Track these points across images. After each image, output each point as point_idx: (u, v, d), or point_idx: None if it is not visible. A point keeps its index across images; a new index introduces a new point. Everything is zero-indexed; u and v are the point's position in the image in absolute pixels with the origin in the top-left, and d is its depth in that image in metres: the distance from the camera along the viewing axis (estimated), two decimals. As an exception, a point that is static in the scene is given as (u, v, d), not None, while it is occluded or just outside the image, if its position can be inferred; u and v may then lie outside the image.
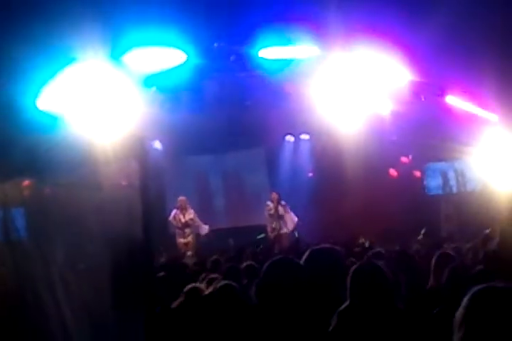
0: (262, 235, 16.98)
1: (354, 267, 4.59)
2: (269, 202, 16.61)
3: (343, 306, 4.43)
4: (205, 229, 16.39)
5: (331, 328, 4.33)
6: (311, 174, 19.39)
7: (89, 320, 7.47)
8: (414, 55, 11.45)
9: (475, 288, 2.86)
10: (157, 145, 17.78)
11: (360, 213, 16.43)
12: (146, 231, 14.24)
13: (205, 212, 17.75)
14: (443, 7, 9.84)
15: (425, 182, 18.61)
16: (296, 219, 16.85)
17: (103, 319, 7.19)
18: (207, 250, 14.49)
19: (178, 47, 11.05)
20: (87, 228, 12.89)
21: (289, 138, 19.46)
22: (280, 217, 16.54)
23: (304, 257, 4.93)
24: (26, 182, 12.76)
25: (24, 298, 7.23)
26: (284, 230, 16.58)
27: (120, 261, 7.88)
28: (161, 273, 8.48)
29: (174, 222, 16.03)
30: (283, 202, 16.66)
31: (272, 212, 16.51)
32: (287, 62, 11.88)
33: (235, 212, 18.55)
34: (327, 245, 5.32)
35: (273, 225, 16.53)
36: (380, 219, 16.22)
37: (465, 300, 2.86)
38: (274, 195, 16.66)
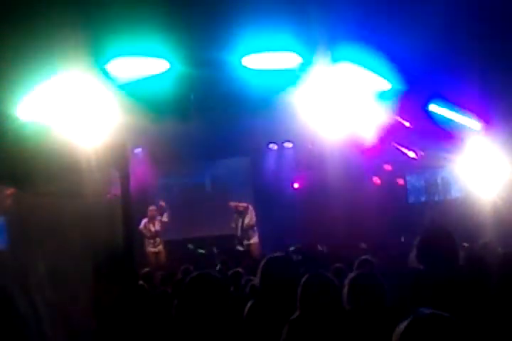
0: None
1: (304, 278, 4.67)
2: (235, 214, 16.69)
3: (294, 316, 4.49)
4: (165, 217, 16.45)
5: (282, 338, 4.39)
6: (297, 185, 19.39)
7: (68, 332, 7.37)
8: (397, 63, 11.46)
9: (409, 318, 2.83)
10: (140, 153, 17.72)
11: (343, 221, 16.44)
12: (127, 240, 14.17)
13: (188, 220, 17.72)
14: (425, 13, 9.85)
15: (408, 190, 18.63)
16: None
17: (84, 331, 7.08)
18: (183, 259, 14.44)
19: (162, 56, 11.02)
20: (68, 237, 12.84)
21: (273, 146, 19.45)
22: (247, 228, 16.58)
23: (261, 265, 5.02)
24: (8, 192, 12.69)
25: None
26: (253, 240, 16.57)
27: (101, 270, 7.76)
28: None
29: (144, 232, 16.03)
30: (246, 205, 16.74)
31: (237, 223, 16.63)
32: (271, 70, 11.87)
33: (219, 220, 18.48)
34: (281, 254, 5.47)
35: (240, 236, 16.60)
36: (363, 227, 16.24)
37: (397, 329, 2.84)
38: (238, 204, 16.73)
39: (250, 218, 16.71)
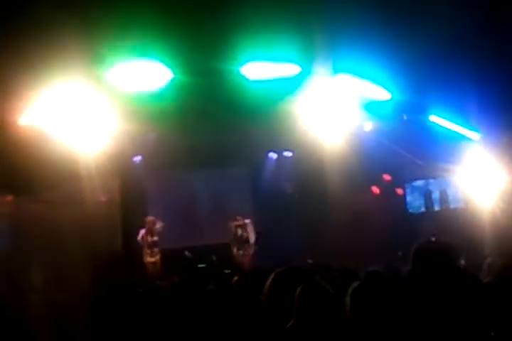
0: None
1: (300, 288, 4.70)
2: (232, 224, 16.94)
3: (289, 324, 4.52)
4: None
5: None
6: (289, 191, 19.37)
7: (64, 335, 7.43)
8: (396, 73, 11.50)
9: None
10: (140, 160, 17.72)
11: (342, 231, 16.44)
12: (125, 247, 14.18)
13: (187, 228, 17.71)
14: (425, 26, 9.90)
15: (407, 200, 18.63)
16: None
17: (80, 336, 7.12)
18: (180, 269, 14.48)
19: (162, 64, 11.05)
20: (67, 244, 12.88)
21: (272, 155, 19.45)
22: (246, 242, 16.88)
23: (269, 281, 5.00)
24: (7, 199, 12.71)
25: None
26: (247, 252, 16.84)
27: (99, 276, 7.82)
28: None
29: (141, 242, 16.09)
30: (247, 221, 16.97)
31: (234, 233, 16.89)
32: (271, 80, 11.90)
33: (218, 228, 18.48)
34: (292, 266, 5.38)
35: (237, 246, 16.85)
36: (362, 237, 16.23)
37: None
38: (238, 217, 16.98)
39: (248, 232, 16.97)
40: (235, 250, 17.03)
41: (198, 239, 17.78)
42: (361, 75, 11.90)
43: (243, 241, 16.92)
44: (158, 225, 16.39)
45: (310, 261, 14.75)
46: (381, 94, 12.42)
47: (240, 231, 16.95)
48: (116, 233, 15.79)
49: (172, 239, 16.86)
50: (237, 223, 17.09)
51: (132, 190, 17.30)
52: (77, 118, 11.53)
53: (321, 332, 4.41)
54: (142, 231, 16.19)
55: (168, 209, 17.29)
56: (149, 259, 16.02)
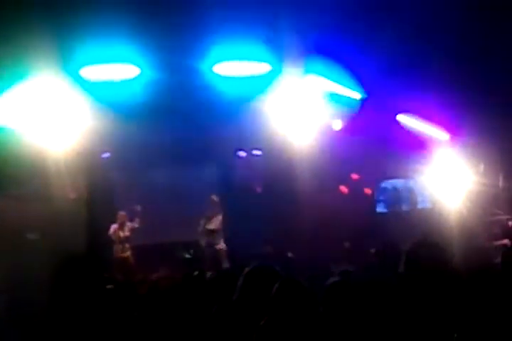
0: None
1: (277, 284, 4.72)
2: (201, 222, 16.89)
3: (263, 321, 4.54)
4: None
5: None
6: (259, 189, 19.37)
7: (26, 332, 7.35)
8: (365, 73, 11.54)
9: None
10: (108, 158, 17.60)
11: (310, 230, 16.46)
12: (92, 244, 14.09)
13: (155, 226, 17.65)
14: (395, 26, 9.95)
15: (376, 200, 18.69)
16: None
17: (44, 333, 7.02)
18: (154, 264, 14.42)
19: (132, 62, 11.00)
20: (35, 241, 12.78)
21: (241, 153, 19.40)
22: (213, 232, 16.77)
23: (241, 279, 4.99)
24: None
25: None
26: (219, 246, 16.72)
27: (64, 273, 7.71)
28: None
29: (113, 237, 16.02)
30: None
31: (202, 227, 16.85)
32: (241, 78, 11.90)
33: (186, 226, 18.44)
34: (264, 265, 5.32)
35: (206, 240, 16.77)
36: (330, 236, 16.26)
37: None
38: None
39: (220, 221, 16.86)
40: (203, 243, 16.90)
41: (165, 236, 17.76)
42: (331, 75, 11.93)
43: (215, 232, 16.82)
44: (136, 221, 16.37)
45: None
46: (350, 93, 12.47)
47: (208, 223, 16.89)
48: (83, 230, 15.69)
49: (142, 235, 16.82)
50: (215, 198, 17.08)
51: (100, 187, 17.20)
52: (45, 115, 11.44)
53: (294, 329, 4.42)
54: (115, 226, 16.11)
55: (136, 206, 17.21)
56: (120, 255, 15.93)
